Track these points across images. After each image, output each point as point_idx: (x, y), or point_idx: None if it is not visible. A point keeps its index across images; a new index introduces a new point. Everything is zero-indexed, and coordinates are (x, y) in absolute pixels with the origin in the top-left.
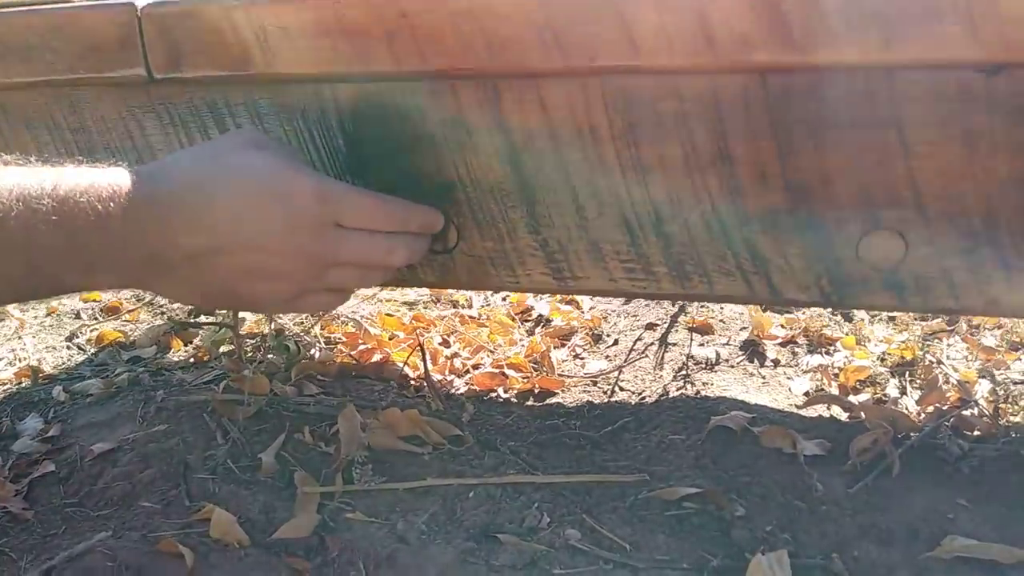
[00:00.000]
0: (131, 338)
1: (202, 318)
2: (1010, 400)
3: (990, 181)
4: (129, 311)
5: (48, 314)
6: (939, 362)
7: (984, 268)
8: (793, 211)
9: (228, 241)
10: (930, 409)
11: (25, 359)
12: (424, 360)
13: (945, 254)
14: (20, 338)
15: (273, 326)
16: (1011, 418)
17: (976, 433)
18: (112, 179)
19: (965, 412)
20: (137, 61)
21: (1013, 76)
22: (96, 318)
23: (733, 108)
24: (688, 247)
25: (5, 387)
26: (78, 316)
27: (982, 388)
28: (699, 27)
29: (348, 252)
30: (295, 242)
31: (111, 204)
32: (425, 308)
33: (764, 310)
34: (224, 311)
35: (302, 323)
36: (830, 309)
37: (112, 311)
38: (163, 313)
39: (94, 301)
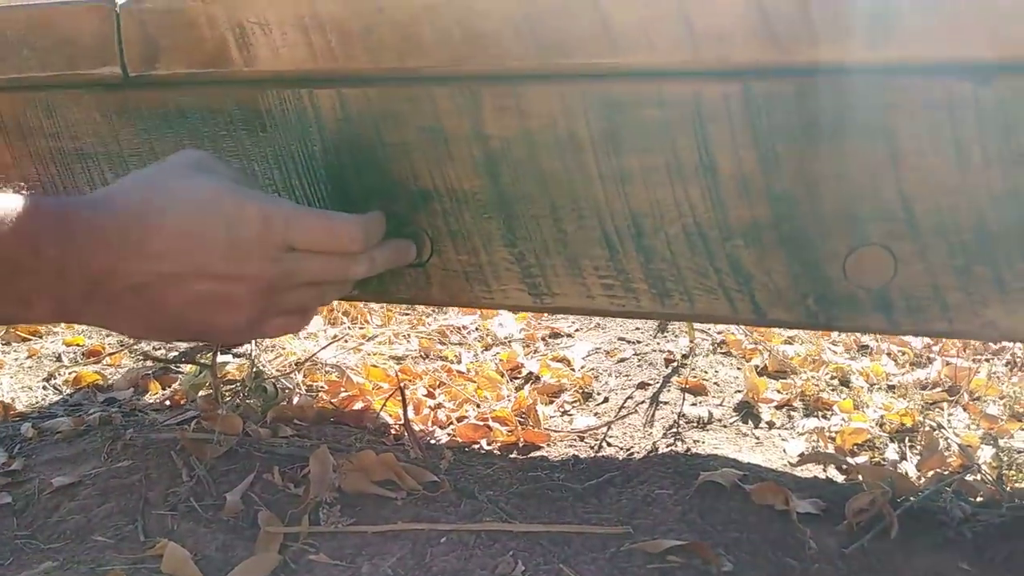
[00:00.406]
0: (110, 381)
1: (182, 357)
2: (1014, 467)
3: (983, 195)
4: (111, 354)
5: (29, 356)
6: (940, 427)
7: (979, 288)
8: (777, 225)
9: (175, 270)
10: (930, 474)
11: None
12: (404, 406)
13: (937, 272)
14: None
15: (253, 370)
16: (1015, 484)
17: (979, 499)
18: (49, 207)
19: (968, 477)
20: (113, 58)
21: (1005, 83)
22: (77, 361)
23: (715, 115)
24: (669, 262)
25: None
26: (59, 359)
27: (985, 454)
28: (681, 23)
29: (303, 275)
30: (244, 268)
31: (46, 233)
32: (413, 362)
33: (760, 374)
34: (203, 351)
35: (282, 368)
36: (819, 331)
37: (94, 354)
38: (144, 357)
39: (76, 345)
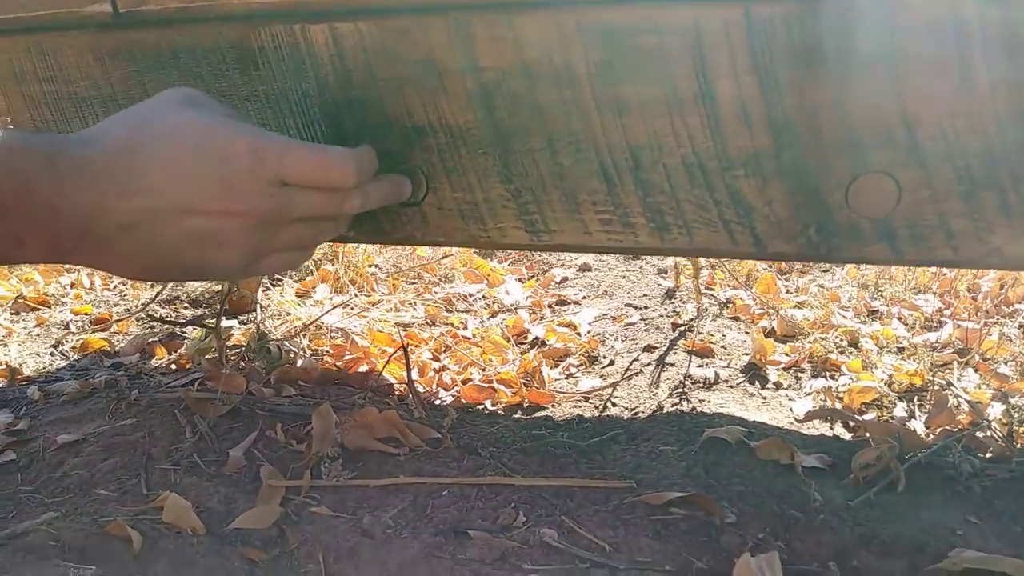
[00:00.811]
0: (117, 347)
1: (187, 322)
2: None
3: (989, 118)
4: (117, 322)
5: (37, 324)
6: (950, 384)
7: (985, 214)
8: (778, 154)
9: (165, 206)
10: (939, 430)
11: (8, 362)
12: (408, 366)
13: (942, 198)
14: (6, 345)
15: (258, 333)
16: None
17: (989, 454)
18: (39, 145)
19: (977, 433)
20: None
21: (1012, 2)
22: (85, 329)
23: (715, 43)
24: (667, 195)
25: None
26: (67, 327)
27: (994, 411)
28: None
29: (296, 210)
30: (236, 204)
31: (37, 171)
32: (419, 328)
33: (768, 337)
34: (208, 316)
35: (288, 333)
36: (819, 261)
37: (101, 322)
38: (150, 318)
39: (84, 314)
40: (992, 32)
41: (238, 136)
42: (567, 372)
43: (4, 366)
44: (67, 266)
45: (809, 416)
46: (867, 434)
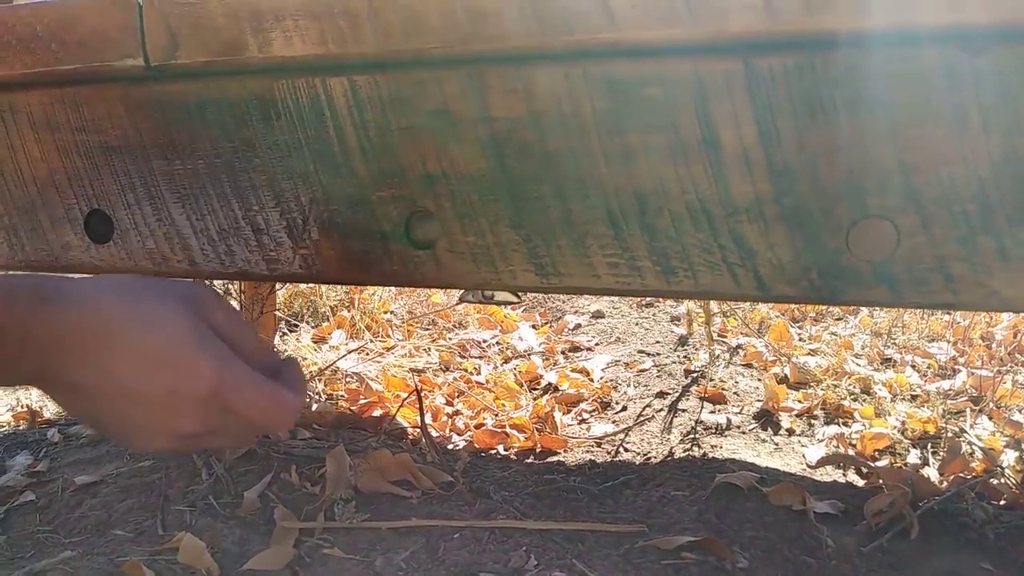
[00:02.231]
0: None
1: None
2: None
3: (984, 163)
4: None
5: None
6: (963, 431)
7: (982, 258)
8: (779, 199)
9: (114, 390)
10: (952, 477)
11: (28, 405)
12: (421, 410)
13: (940, 243)
14: (27, 387)
15: None
16: None
17: (1003, 501)
18: (26, 289)
19: (991, 480)
20: (136, 50)
21: (999, 51)
22: None
23: (716, 92)
24: (673, 239)
25: (3, 429)
26: None
27: (1008, 458)
28: None
29: (227, 431)
30: (177, 420)
31: (12, 317)
32: (433, 373)
33: (780, 382)
34: None
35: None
36: (823, 305)
37: None
38: None
39: None
40: (984, 81)
41: (204, 361)
42: (580, 417)
43: (25, 409)
44: None
45: (822, 462)
46: (880, 480)
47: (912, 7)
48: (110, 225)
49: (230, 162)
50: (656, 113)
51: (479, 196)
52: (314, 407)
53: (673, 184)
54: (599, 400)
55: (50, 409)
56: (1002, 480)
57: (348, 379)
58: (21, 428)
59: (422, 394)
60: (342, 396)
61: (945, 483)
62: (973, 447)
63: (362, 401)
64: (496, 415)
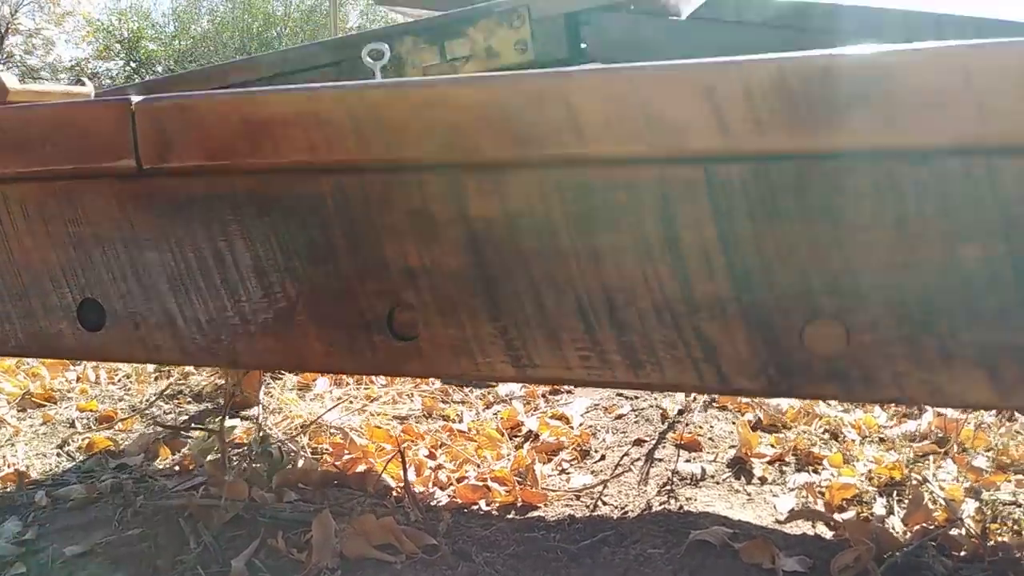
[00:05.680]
0: (121, 447)
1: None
2: (999, 520)
3: (926, 268)
4: (123, 420)
5: (44, 422)
6: (925, 480)
7: (926, 357)
8: (738, 299)
9: None
10: (916, 528)
11: (15, 465)
12: (404, 469)
13: (886, 343)
14: (13, 445)
15: (260, 434)
16: (999, 538)
17: (963, 552)
18: None
19: (952, 531)
20: (128, 152)
21: (941, 165)
22: (91, 427)
23: (679, 196)
24: (640, 335)
25: None
26: (72, 425)
27: (969, 507)
28: (641, 115)
29: None
30: None
31: None
32: (416, 422)
33: (753, 428)
34: (212, 416)
35: (289, 431)
36: (784, 398)
37: (106, 420)
38: (155, 423)
39: (90, 411)
40: (924, 188)
41: None
42: (559, 467)
43: (12, 470)
44: (73, 361)
45: (791, 516)
46: (846, 534)
47: (850, 131)
48: (102, 313)
49: (220, 254)
50: (623, 216)
51: (458, 291)
52: (300, 463)
53: (639, 282)
54: (578, 448)
55: (37, 469)
56: (963, 531)
57: (333, 431)
58: (8, 490)
59: (404, 448)
60: (327, 450)
61: (909, 534)
62: (936, 497)
63: (347, 457)
64: (478, 467)
